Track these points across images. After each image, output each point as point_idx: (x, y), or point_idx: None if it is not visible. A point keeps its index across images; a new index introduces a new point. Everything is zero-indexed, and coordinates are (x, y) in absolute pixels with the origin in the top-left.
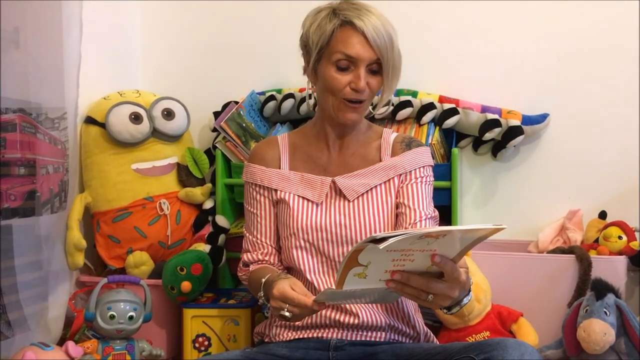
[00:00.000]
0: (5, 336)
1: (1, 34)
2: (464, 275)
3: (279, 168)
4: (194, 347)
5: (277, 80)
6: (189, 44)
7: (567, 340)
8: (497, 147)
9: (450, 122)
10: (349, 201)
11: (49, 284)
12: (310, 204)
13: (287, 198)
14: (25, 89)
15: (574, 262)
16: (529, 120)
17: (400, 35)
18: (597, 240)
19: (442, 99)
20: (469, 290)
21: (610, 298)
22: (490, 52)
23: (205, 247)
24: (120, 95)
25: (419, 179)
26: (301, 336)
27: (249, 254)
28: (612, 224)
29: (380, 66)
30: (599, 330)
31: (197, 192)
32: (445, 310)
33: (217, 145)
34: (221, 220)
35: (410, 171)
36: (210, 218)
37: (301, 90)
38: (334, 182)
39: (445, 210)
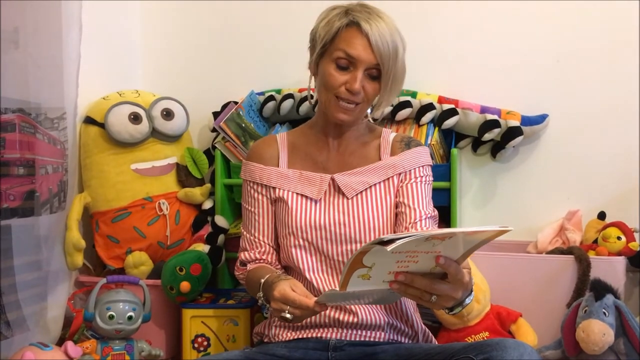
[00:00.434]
0: (5, 336)
1: (1, 34)
2: (467, 276)
3: (278, 166)
4: (193, 347)
5: (277, 80)
6: (189, 44)
7: (566, 340)
8: (497, 148)
9: (450, 122)
10: (347, 199)
11: (48, 284)
12: (309, 201)
13: (285, 196)
14: (25, 89)
15: (573, 262)
16: (528, 120)
17: None
18: (596, 241)
19: (441, 100)
20: (471, 291)
21: (609, 298)
22: (490, 53)
23: (205, 248)
24: (120, 95)
25: (418, 179)
26: (300, 336)
27: (246, 252)
28: (611, 224)
29: (380, 72)
30: (598, 331)
31: (196, 192)
32: (447, 311)
33: (216, 145)
34: (220, 221)
35: (410, 170)
36: (209, 218)
37: (300, 91)
38: (333, 179)
39: (445, 211)
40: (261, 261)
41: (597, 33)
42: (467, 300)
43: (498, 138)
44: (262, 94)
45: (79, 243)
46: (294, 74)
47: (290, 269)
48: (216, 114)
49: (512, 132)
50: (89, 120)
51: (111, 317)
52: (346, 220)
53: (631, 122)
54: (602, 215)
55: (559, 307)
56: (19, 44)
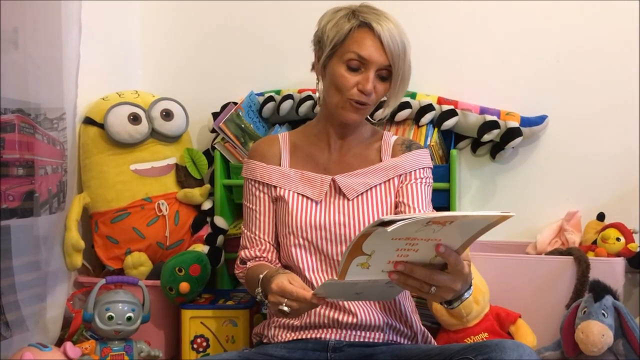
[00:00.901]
0: (4, 337)
1: (0, 34)
2: (467, 267)
3: (279, 165)
4: (192, 348)
5: (276, 81)
6: (188, 44)
7: (565, 341)
8: (496, 149)
9: (449, 123)
10: (348, 200)
11: (47, 285)
12: (309, 202)
13: (286, 195)
14: (24, 89)
15: (572, 263)
16: (527, 121)
17: None
18: (595, 242)
19: (440, 101)
20: (470, 284)
21: (608, 300)
22: (489, 54)
23: (204, 248)
24: (119, 95)
25: (419, 180)
26: (300, 337)
27: (246, 250)
28: (610, 225)
29: (390, 73)
30: (597, 332)
31: (195, 193)
32: (445, 305)
33: (215, 146)
34: (220, 221)
35: (410, 172)
36: (208, 219)
37: (300, 91)
38: (334, 180)
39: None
40: (261, 259)
41: (597, 33)
42: (466, 295)
43: (497, 139)
44: (261, 94)
45: (78, 243)
46: (293, 75)
47: (290, 268)
48: (215, 115)
49: (512, 133)
50: (88, 121)
51: (110, 317)
52: (347, 221)
53: (631, 123)
54: (601, 216)
55: (558, 308)
56: (19, 44)
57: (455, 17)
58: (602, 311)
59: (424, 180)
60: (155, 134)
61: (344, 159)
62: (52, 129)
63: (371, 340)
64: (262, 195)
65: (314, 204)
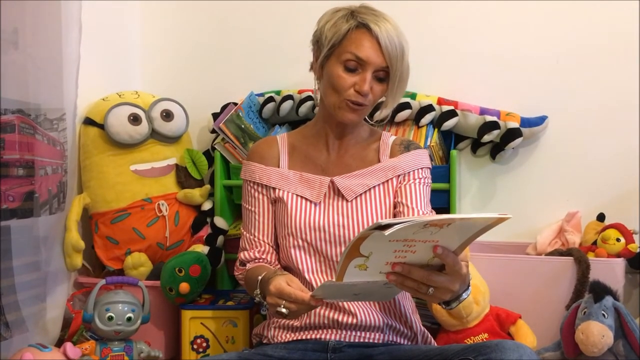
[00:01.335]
0: (4, 337)
1: (0, 34)
2: (465, 268)
3: (278, 167)
4: (192, 348)
5: (276, 81)
6: (188, 45)
7: (565, 342)
8: (496, 149)
9: (449, 124)
10: (347, 201)
11: (47, 285)
12: (308, 203)
13: (285, 197)
14: (24, 89)
15: (572, 264)
16: (527, 122)
17: None
18: (595, 243)
19: (440, 101)
20: (469, 285)
21: (608, 300)
22: (489, 54)
23: (204, 249)
24: (119, 96)
25: (417, 180)
26: (299, 337)
27: (246, 252)
28: (611, 226)
29: (387, 74)
30: (597, 333)
31: (195, 194)
32: (444, 306)
33: (215, 146)
34: (220, 222)
35: (409, 172)
36: (208, 219)
37: (300, 92)
38: (332, 182)
39: (444, 212)
40: (261, 260)
41: (597, 33)
42: (464, 295)
43: (497, 139)
44: (261, 95)
45: (78, 244)
46: (293, 75)
47: (289, 270)
48: (216, 115)
49: (512, 134)
50: (88, 121)
51: (110, 318)
52: (346, 223)
53: (631, 123)
54: (601, 217)
55: (558, 308)
56: (19, 45)
57: (456, 18)
58: (602, 312)
59: (422, 181)
60: (155, 135)
61: (343, 160)
62: (52, 130)
63: (371, 340)
64: (261, 196)
65: (312, 206)
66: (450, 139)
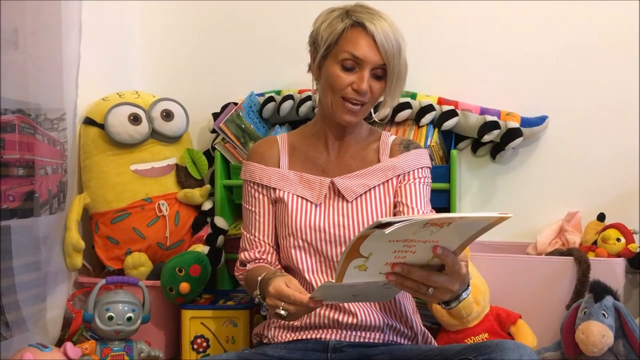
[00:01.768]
0: (4, 337)
1: (0, 34)
2: (464, 268)
3: (278, 167)
4: (192, 348)
5: (276, 81)
6: (188, 45)
7: (565, 342)
8: (496, 149)
9: (449, 124)
10: (347, 202)
11: (47, 285)
12: (309, 204)
13: (285, 198)
14: (25, 89)
15: (572, 264)
16: (527, 122)
17: None
18: (595, 243)
19: (441, 101)
20: (468, 285)
21: (608, 300)
22: (489, 54)
23: (204, 249)
24: (120, 96)
25: (417, 179)
26: (300, 337)
27: (246, 252)
28: (611, 226)
29: (385, 72)
30: (597, 333)
31: (195, 193)
32: (443, 305)
33: (216, 146)
34: (220, 222)
35: (409, 172)
36: (209, 219)
37: (300, 92)
38: (332, 182)
39: (444, 212)
40: (261, 261)
41: (597, 33)
42: (464, 295)
43: (497, 139)
44: (261, 95)
45: (78, 244)
46: (293, 75)
47: (289, 270)
48: (216, 115)
49: (512, 134)
50: (88, 121)
51: (110, 318)
52: (346, 223)
53: (631, 123)
54: (601, 217)
55: (559, 308)
56: (19, 45)
57: (456, 18)
58: (603, 312)
59: (422, 180)
60: (155, 135)
61: (342, 160)
62: (52, 130)
63: (371, 340)
64: (261, 197)
65: (313, 207)
66: (451, 139)
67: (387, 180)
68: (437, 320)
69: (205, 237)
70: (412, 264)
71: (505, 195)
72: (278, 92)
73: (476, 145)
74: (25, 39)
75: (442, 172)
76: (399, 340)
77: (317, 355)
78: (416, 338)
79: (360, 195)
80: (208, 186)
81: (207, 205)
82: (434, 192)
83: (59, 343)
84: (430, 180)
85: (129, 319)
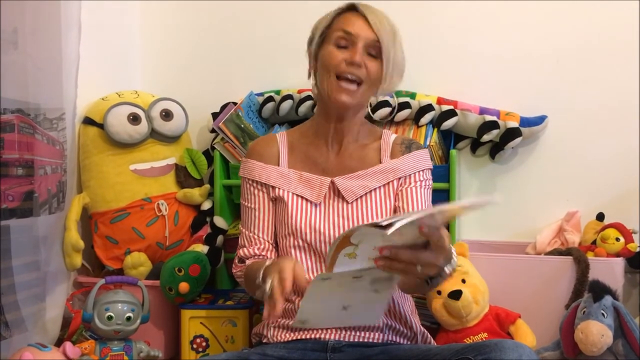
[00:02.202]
0: (3, 337)
1: (0, 34)
2: (447, 240)
3: (278, 165)
4: (191, 348)
5: (276, 81)
6: (188, 45)
7: (564, 341)
8: (495, 149)
9: (449, 123)
10: (347, 203)
11: (46, 285)
12: (308, 204)
13: (285, 196)
14: (24, 89)
15: (571, 263)
16: (527, 122)
17: None
18: (594, 242)
19: (440, 101)
20: (450, 259)
21: (607, 300)
22: (489, 54)
23: (203, 248)
24: (119, 95)
25: (418, 183)
26: (299, 337)
27: (245, 249)
28: (610, 225)
29: (380, 51)
30: (597, 332)
31: (195, 193)
32: (428, 281)
33: (215, 146)
34: (219, 221)
35: (410, 175)
36: (208, 219)
37: (300, 92)
38: (333, 182)
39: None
40: (260, 257)
41: (597, 33)
42: (446, 269)
43: (497, 139)
44: (261, 94)
45: (77, 244)
46: (293, 75)
47: None
48: (215, 115)
49: (511, 133)
50: (88, 121)
51: (110, 317)
52: (346, 224)
53: (631, 123)
54: (600, 217)
55: (558, 308)
56: (18, 45)
57: (456, 18)
58: (602, 311)
59: (423, 183)
60: (154, 134)
61: (343, 159)
62: (51, 129)
63: (370, 340)
64: (260, 194)
65: (313, 206)
66: (450, 139)
67: (388, 183)
68: (437, 320)
69: (204, 236)
70: (399, 246)
71: (504, 195)
72: (277, 92)
73: (475, 145)
74: (25, 39)
75: (441, 172)
76: (398, 340)
77: (317, 355)
78: (415, 338)
79: (360, 196)
80: (207, 186)
81: (206, 205)
82: (433, 192)
83: (59, 343)
84: (431, 182)
85: (129, 318)
